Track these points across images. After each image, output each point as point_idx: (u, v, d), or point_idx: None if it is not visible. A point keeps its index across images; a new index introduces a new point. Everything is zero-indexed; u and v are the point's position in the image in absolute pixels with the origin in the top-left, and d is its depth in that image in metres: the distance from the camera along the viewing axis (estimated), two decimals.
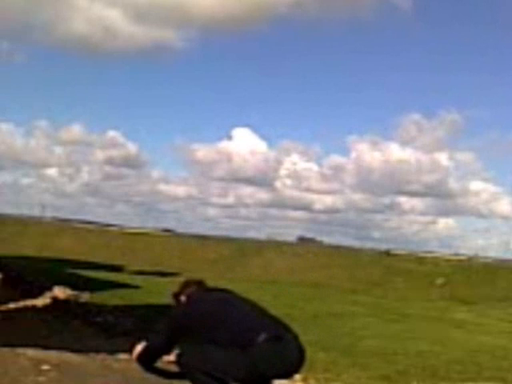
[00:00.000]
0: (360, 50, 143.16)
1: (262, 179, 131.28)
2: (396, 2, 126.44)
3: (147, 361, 3.83)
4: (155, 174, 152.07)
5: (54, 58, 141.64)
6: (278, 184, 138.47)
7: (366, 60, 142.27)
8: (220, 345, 3.53)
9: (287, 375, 3.72)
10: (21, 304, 13.76)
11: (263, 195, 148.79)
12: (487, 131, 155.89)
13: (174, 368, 3.76)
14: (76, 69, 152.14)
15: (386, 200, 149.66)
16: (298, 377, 7.53)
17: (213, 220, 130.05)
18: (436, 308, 25.51)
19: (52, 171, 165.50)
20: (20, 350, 6.06)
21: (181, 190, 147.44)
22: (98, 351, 7.00)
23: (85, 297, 15.46)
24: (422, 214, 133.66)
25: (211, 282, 4.10)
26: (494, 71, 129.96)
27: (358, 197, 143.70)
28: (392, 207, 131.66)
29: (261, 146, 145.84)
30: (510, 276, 40.51)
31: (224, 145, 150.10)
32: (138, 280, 23.81)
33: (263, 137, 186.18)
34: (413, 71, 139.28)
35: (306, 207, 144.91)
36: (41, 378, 4.93)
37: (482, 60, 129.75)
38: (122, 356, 6.79)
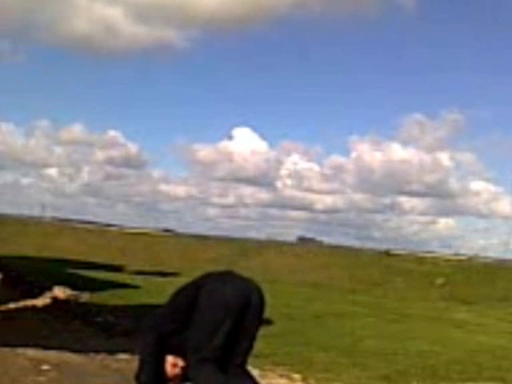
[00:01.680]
0: (361, 50, 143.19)
1: (263, 179, 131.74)
2: (399, 1, 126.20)
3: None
4: (156, 174, 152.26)
5: (54, 58, 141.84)
6: (278, 184, 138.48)
7: (368, 60, 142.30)
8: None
9: (251, 310, 3.73)
10: (21, 304, 13.75)
11: (264, 195, 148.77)
12: (488, 131, 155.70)
13: None
14: (76, 68, 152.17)
15: (387, 200, 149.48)
16: (297, 377, 7.53)
17: (213, 220, 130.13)
18: (436, 308, 25.51)
19: (52, 171, 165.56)
20: (20, 350, 6.06)
21: (181, 190, 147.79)
22: (97, 351, 7.00)
23: (85, 297, 15.46)
24: (423, 214, 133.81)
25: None
26: (496, 71, 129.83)
27: (358, 197, 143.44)
28: (392, 207, 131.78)
29: (261, 145, 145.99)
30: (510, 276, 40.51)
31: (224, 145, 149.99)
32: (137, 280, 23.81)
33: (264, 137, 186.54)
34: (415, 71, 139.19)
35: (307, 207, 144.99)
36: (41, 378, 4.93)
37: (484, 60, 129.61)
38: (122, 356, 6.80)
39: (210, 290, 3.72)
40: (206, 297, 3.70)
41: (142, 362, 3.95)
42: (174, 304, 3.97)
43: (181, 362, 3.92)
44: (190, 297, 3.82)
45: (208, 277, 3.90)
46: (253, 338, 3.86)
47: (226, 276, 3.90)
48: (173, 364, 3.91)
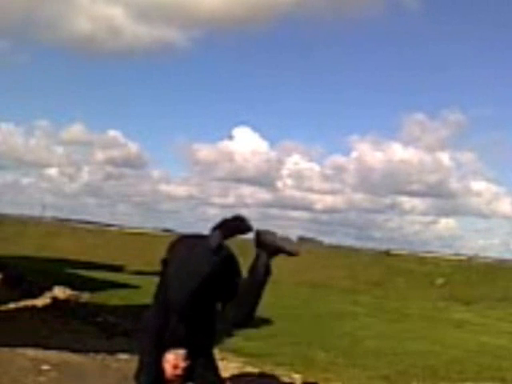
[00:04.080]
0: (362, 49, 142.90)
1: (263, 179, 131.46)
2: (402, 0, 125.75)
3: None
4: (156, 174, 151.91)
5: (54, 57, 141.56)
6: (279, 184, 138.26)
7: (369, 59, 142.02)
8: None
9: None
10: (21, 304, 13.73)
11: (264, 195, 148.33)
12: (490, 131, 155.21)
13: None
14: (77, 68, 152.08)
15: (387, 200, 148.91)
16: (297, 377, 7.53)
17: (213, 220, 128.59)
18: (436, 308, 25.50)
19: (52, 171, 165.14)
20: (20, 350, 6.06)
21: (182, 190, 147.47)
22: (97, 351, 7.00)
23: (85, 297, 15.44)
24: (423, 214, 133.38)
25: None
26: (497, 70, 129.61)
27: (358, 197, 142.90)
28: (393, 207, 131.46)
29: (262, 145, 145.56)
30: (510, 276, 40.47)
31: (225, 145, 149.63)
32: (137, 280, 23.76)
33: (264, 137, 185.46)
34: (416, 70, 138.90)
35: (307, 207, 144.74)
36: (41, 378, 4.93)
37: (486, 59, 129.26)
38: (122, 356, 6.80)
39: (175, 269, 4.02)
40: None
41: (141, 363, 3.96)
42: (157, 298, 4.08)
43: (182, 363, 3.90)
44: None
45: (169, 262, 4.19)
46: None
47: (182, 255, 4.21)
48: (174, 365, 3.89)
